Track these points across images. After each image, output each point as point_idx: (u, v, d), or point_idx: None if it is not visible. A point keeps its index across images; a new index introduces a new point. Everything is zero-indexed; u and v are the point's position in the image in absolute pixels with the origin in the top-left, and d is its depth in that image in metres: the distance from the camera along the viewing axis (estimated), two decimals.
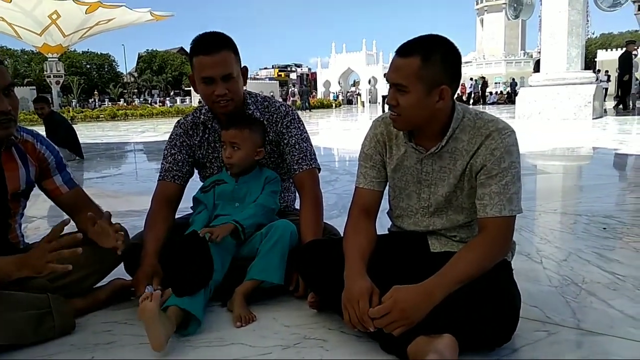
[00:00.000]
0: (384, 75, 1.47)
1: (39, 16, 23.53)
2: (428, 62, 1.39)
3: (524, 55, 51.42)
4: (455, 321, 1.33)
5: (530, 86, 12.76)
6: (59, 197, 1.84)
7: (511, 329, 1.38)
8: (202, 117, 2.08)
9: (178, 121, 2.16)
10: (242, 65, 1.98)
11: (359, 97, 42.18)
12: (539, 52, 14.78)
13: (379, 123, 1.67)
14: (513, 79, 32.40)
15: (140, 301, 1.46)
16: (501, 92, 32.80)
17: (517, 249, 1.76)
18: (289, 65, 74.83)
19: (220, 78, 1.87)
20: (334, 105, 36.04)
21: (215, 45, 1.87)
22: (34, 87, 32.04)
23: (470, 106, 1.65)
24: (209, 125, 2.08)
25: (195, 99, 40.01)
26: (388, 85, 1.51)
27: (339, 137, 10.93)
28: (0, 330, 1.47)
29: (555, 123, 10.98)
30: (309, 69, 74.09)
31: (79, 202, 1.86)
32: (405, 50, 1.42)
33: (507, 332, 1.38)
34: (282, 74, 66.24)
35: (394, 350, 1.40)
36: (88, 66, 60.34)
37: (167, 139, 2.13)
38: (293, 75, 67.54)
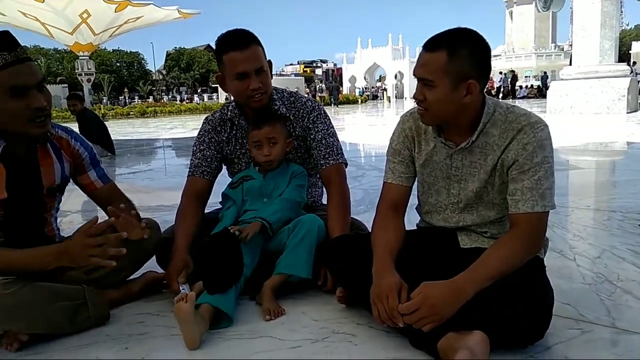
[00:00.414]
0: (413, 71, 1.46)
1: (70, 15, 24.06)
2: (454, 57, 1.38)
3: (555, 48, 50.26)
4: (486, 318, 1.31)
5: (562, 79, 12.47)
6: (93, 191, 1.89)
7: (544, 326, 1.36)
8: (229, 113, 2.10)
9: (206, 118, 2.19)
10: (267, 59, 2.00)
11: (384, 92, 41.88)
12: (571, 45, 14.42)
13: (408, 118, 1.66)
14: (545, 72, 31.71)
15: (176, 301, 1.50)
16: (531, 85, 32.13)
17: (550, 245, 1.73)
18: (314, 61, 74.92)
19: (254, 72, 1.89)
20: (359, 100, 35.89)
21: (244, 41, 1.89)
22: (66, 85, 32.84)
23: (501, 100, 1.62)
24: (236, 122, 2.10)
25: (223, 95, 40.44)
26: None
27: (365, 133, 10.89)
28: (37, 320, 1.52)
29: (587, 117, 10.72)
30: (335, 65, 74.08)
31: (112, 197, 1.90)
32: (431, 45, 1.41)
33: (540, 330, 1.36)
34: (308, 69, 66.36)
35: (423, 346, 1.39)
36: (118, 64, 61.54)
37: (196, 136, 2.17)
38: (318, 71, 67.59)
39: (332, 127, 2.13)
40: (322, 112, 2.13)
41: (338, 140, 2.12)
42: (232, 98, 2.08)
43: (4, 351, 1.51)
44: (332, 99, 29.92)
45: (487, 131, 1.49)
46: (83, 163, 1.84)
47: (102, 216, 1.73)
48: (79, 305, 1.61)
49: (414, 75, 1.45)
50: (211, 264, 1.69)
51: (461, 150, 1.54)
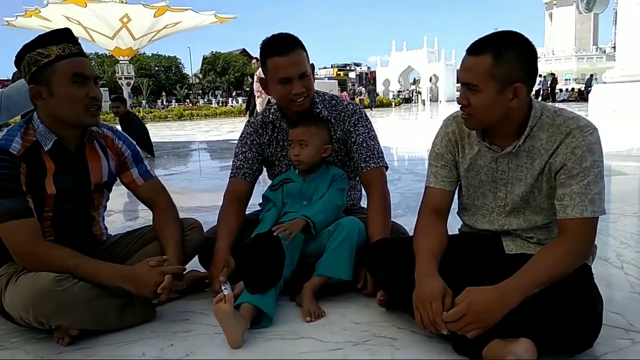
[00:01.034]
0: (457, 76, 1.45)
1: (111, 20, 24.73)
2: (500, 60, 1.35)
3: (597, 51, 48.78)
4: (533, 325, 1.29)
5: (604, 83, 12.09)
6: (136, 189, 1.93)
7: (593, 335, 1.32)
8: (271, 116, 2.13)
9: (248, 120, 2.23)
10: (310, 63, 2.02)
11: (419, 95, 41.48)
12: (613, 47, 13.97)
13: (451, 122, 1.64)
14: (591, 75, 30.70)
15: (215, 302, 1.53)
16: (572, 89, 31.25)
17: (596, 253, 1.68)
18: (347, 65, 74.86)
19: (297, 77, 1.91)
20: (393, 104, 35.67)
21: (288, 46, 1.91)
22: (107, 89, 33.82)
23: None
24: (277, 125, 2.12)
25: (257, 100, 40.75)
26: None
27: (399, 136, 10.81)
28: (87, 316, 1.58)
29: (631, 122, 10.34)
30: (368, 68, 73.85)
31: (154, 195, 1.95)
32: (476, 48, 1.39)
33: (589, 338, 1.32)
34: (341, 73, 66.33)
35: (467, 352, 1.37)
36: (156, 68, 62.98)
37: (238, 138, 2.20)
38: (352, 74, 67.48)
39: (373, 130, 2.13)
40: (363, 115, 2.14)
41: (379, 143, 2.12)
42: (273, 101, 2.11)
43: (55, 345, 1.57)
44: (371, 102, 30.67)
45: (534, 135, 1.46)
46: (126, 161, 1.90)
47: (144, 215, 1.77)
48: (127, 303, 1.66)
49: (457, 81, 1.44)
50: (253, 265, 1.71)
51: (507, 154, 1.51)
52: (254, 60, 11.68)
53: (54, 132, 1.66)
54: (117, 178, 1.93)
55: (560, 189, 1.43)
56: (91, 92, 1.64)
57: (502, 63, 1.36)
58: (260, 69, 11.53)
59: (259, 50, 1.99)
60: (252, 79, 11.07)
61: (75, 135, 1.73)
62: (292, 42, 1.93)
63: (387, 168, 2.10)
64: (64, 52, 1.60)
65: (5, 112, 2.56)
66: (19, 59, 1.63)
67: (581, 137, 1.41)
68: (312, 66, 2.04)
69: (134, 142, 1.97)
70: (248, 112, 12.51)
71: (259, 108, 11.77)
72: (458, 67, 1.50)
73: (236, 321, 1.53)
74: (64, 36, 1.62)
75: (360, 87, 35.95)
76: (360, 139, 2.07)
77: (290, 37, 1.95)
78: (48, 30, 1.72)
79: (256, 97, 11.08)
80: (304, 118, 2.02)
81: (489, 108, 1.41)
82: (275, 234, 1.77)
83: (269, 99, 10.44)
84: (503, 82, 1.37)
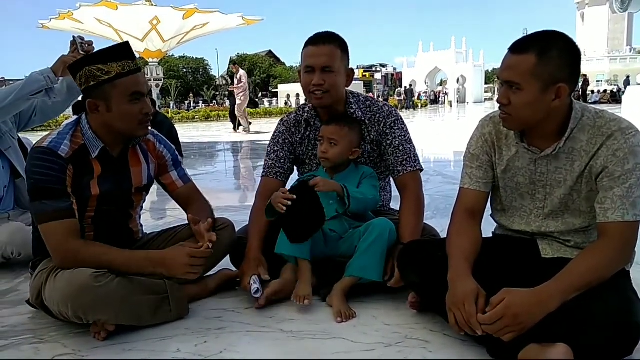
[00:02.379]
0: (498, 74, 1.43)
1: (141, 22, 25.12)
2: (544, 59, 1.33)
3: (631, 51, 47.50)
4: (571, 329, 1.26)
5: (638, 84, 11.78)
6: (174, 191, 1.98)
7: (633, 341, 1.29)
8: (305, 114, 2.14)
9: (282, 119, 2.24)
10: (349, 67, 2.03)
11: (446, 96, 41.06)
12: None
13: (487, 122, 1.63)
14: (628, 76, 29.75)
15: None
16: (604, 90, 30.46)
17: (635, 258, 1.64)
18: (373, 66, 74.51)
19: (319, 68, 1.93)
20: (419, 105, 35.41)
21: (323, 39, 1.96)
22: None
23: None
24: (312, 123, 2.13)
25: (282, 100, 40.98)
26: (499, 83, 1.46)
27: (427, 138, 10.72)
28: (124, 312, 1.61)
29: None
30: (394, 69, 73.40)
31: (191, 196, 2.01)
32: (520, 47, 1.37)
33: (629, 345, 1.29)
34: (367, 74, 66.05)
35: (502, 356, 1.36)
36: (185, 70, 63.94)
37: (270, 137, 2.22)
38: (378, 76, 67.17)
39: (409, 133, 2.12)
40: (399, 117, 2.13)
41: (414, 146, 2.11)
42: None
43: (92, 339, 1.61)
44: (408, 103, 31.75)
45: (575, 136, 1.44)
46: (166, 164, 1.95)
47: (175, 214, 1.80)
48: (162, 299, 1.69)
49: (498, 78, 1.42)
50: (293, 215, 1.77)
51: (546, 156, 1.49)
52: (231, 65, 12.15)
53: (100, 139, 1.72)
54: (155, 180, 1.98)
55: (601, 192, 1.40)
56: (145, 108, 1.70)
57: (546, 62, 1.34)
58: (239, 73, 11.69)
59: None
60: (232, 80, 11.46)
61: (121, 143, 1.79)
62: (329, 37, 1.97)
63: (422, 170, 2.09)
64: (123, 69, 1.64)
65: (41, 114, 2.63)
66: (76, 68, 1.66)
67: (623, 139, 1.38)
68: (352, 71, 2.06)
69: (174, 147, 2.01)
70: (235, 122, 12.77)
71: (237, 112, 12.05)
72: (486, 69, 1.49)
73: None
74: (124, 53, 1.67)
75: (400, 89, 36.85)
76: (397, 142, 2.06)
77: (331, 34, 1.99)
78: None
79: (236, 98, 11.49)
80: (338, 118, 2.03)
81: (531, 108, 1.38)
82: (310, 184, 1.83)
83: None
84: (546, 81, 1.35)
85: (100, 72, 1.63)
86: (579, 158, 1.44)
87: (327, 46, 1.94)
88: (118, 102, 1.65)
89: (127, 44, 1.70)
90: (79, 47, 2.24)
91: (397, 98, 32.86)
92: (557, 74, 1.34)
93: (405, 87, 36.16)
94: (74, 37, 2.30)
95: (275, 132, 2.20)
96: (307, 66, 1.95)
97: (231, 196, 4.63)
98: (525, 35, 1.42)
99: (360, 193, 1.95)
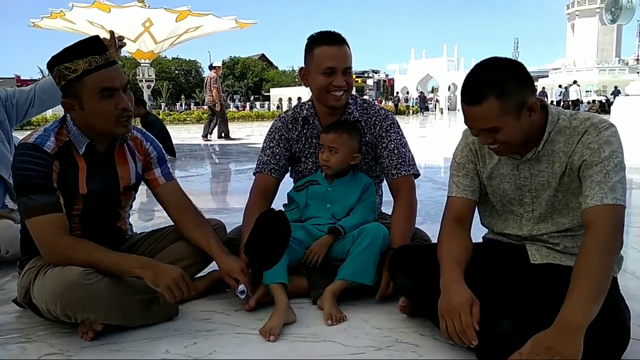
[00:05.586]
0: (468, 125, 1.46)
1: (133, 24, 24.97)
2: (504, 96, 1.34)
3: (619, 63, 48.11)
4: None
5: (627, 95, 11.92)
6: (156, 187, 1.94)
7: (621, 347, 1.30)
8: (305, 112, 2.13)
9: (279, 116, 2.23)
10: None
11: (437, 103, 41.26)
12: (637, 59, 13.76)
13: (470, 132, 1.64)
14: (616, 87, 30.14)
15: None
16: (593, 101, 30.82)
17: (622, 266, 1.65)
18: (365, 72, 74.77)
19: (341, 70, 1.94)
20: (411, 111, 35.53)
21: (339, 39, 1.97)
22: None
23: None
24: (311, 121, 2.12)
25: (274, 104, 40.89)
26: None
27: (416, 144, 10.76)
28: (113, 311, 1.60)
29: None
30: (386, 75, 73.72)
31: (174, 195, 1.95)
32: (477, 98, 1.35)
33: (617, 351, 1.30)
34: (359, 80, 66.26)
35: None
36: (177, 72, 63.69)
37: (266, 133, 2.19)
38: (370, 82, 67.45)
39: (404, 137, 2.13)
40: (395, 121, 2.14)
41: (410, 150, 2.12)
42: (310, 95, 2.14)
43: (80, 339, 1.60)
44: (421, 108, 33.83)
45: (553, 139, 1.46)
46: (151, 161, 1.93)
47: (166, 215, 1.79)
48: (151, 299, 1.68)
49: (469, 127, 1.44)
50: (256, 245, 1.71)
51: (527, 160, 1.51)
52: (216, 64, 11.99)
53: (86, 136, 1.69)
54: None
55: (583, 185, 1.41)
56: (120, 103, 1.62)
57: (507, 97, 1.34)
58: (216, 75, 11.41)
59: (306, 42, 2.03)
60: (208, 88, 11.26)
61: (107, 139, 1.76)
62: (342, 38, 1.99)
63: (417, 175, 2.09)
64: (90, 65, 1.57)
65: (39, 104, 2.60)
66: (49, 69, 1.64)
67: (596, 132, 1.40)
68: None
69: (160, 145, 1.99)
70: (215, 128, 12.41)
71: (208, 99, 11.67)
72: None
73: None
74: (91, 47, 1.60)
75: (407, 95, 37.98)
76: (392, 146, 2.07)
77: (340, 34, 2.01)
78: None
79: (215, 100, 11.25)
80: (338, 125, 2.04)
81: (515, 134, 1.40)
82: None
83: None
84: (516, 108, 1.36)
85: (67, 70, 1.58)
86: (558, 159, 1.47)
87: (345, 47, 1.97)
88: (89, 100, 1.60)
89: (95, 37, 1.64)
90: (115, 42, 2.24)
91: (405, 104, 34.96)
92: (521, 97, 1.36)
93: (421, 94, 38.09)
94: (111, 32, 2.29)
95: (271, 128, 2.19)
96: (328, 67, 1.94)
97: (222, 198, 4.62)
98: (471, 77, 1.39)
99: (358, 219, 2.00)
